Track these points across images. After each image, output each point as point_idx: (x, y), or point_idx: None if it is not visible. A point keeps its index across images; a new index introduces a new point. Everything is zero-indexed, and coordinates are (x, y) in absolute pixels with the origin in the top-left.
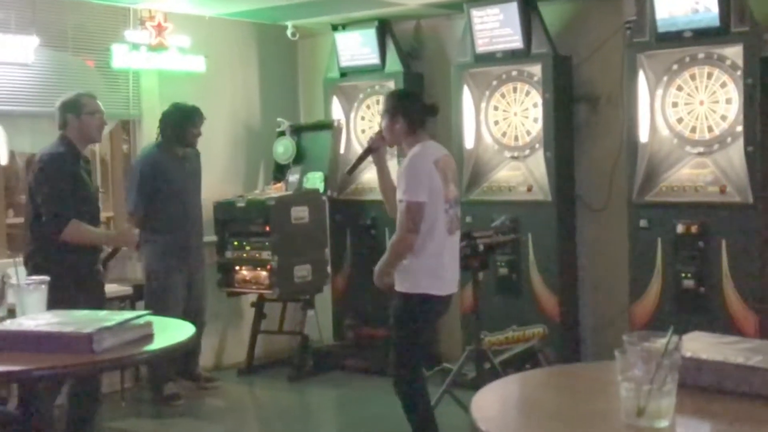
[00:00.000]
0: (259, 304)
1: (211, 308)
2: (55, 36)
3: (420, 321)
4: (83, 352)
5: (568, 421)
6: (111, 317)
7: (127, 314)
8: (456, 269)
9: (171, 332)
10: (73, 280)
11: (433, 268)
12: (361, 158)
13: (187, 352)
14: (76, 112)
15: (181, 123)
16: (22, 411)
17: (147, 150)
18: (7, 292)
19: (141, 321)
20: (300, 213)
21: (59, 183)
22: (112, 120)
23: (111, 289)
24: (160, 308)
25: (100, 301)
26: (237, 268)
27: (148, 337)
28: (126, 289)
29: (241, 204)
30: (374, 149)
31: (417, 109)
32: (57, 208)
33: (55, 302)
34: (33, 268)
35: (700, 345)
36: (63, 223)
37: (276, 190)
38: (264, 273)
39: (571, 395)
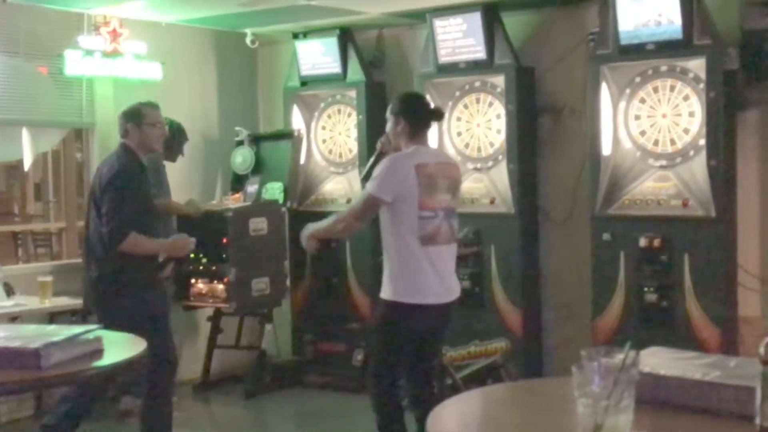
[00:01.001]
0: (215, 318)
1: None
2: (6, 41)
3: (393, 331)
4: (30, 367)
5: None
6: (59, 332)
7: (76, 329)
8: (443, 280)
9: (121, 347)
10: (140, 283)
11: (410, 277)
12: (375, 163)
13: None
14: (138, 121)
15: (178, 137)
16: None
17: None
18: None
19: (90, 336)
20: (258, 224)
21: (125, 196)
22: (65, 129)
23: (61, 302)
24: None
25: (166, 299)
26: (193, 281)
27: (98, 353)
28: (77, 302)
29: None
30: (384, 152)
31: (420, 112)
32: (118, 222)
33: (127, 305)
34: (101, 273)
35: (658, 360)
36: (123, 236)
37: (234, 201)
38: (221, 286)
39: (530, 411)
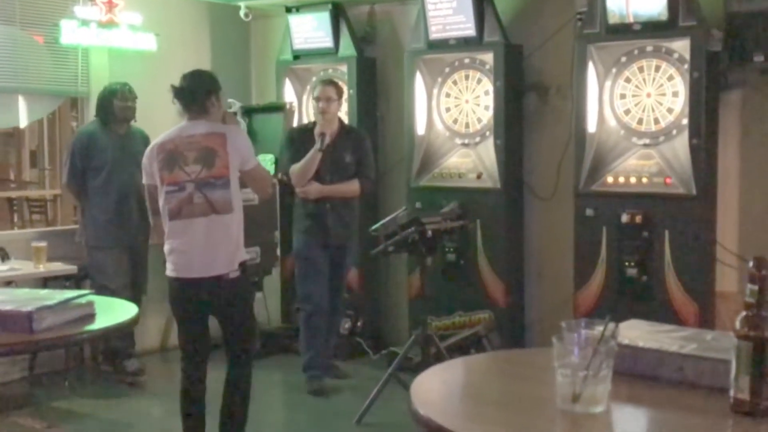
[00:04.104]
0: None
1: (158, 289)
2: (2, 10)
3: (173, 306)
4: (23, 330)
5: (506, 406)
6: (52, 296)
7: (69, 293)
8: (195, 254)
9: (113, 312)
10: (298, 227)
11: (167, 251)
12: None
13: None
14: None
15: (106, 97)
16: None
17: (83, 126)
18: None
19: (83, 300)
20: (250, 195)
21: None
22: (60, 97)
23: (55, 267)
24: (101, 282)
25: (312, 246)
26: None
27: (90, 317)
28: (71, 268)
29: None
30: None
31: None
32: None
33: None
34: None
35: (637, 333)
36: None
37: None
38: None
39: (511, 380)
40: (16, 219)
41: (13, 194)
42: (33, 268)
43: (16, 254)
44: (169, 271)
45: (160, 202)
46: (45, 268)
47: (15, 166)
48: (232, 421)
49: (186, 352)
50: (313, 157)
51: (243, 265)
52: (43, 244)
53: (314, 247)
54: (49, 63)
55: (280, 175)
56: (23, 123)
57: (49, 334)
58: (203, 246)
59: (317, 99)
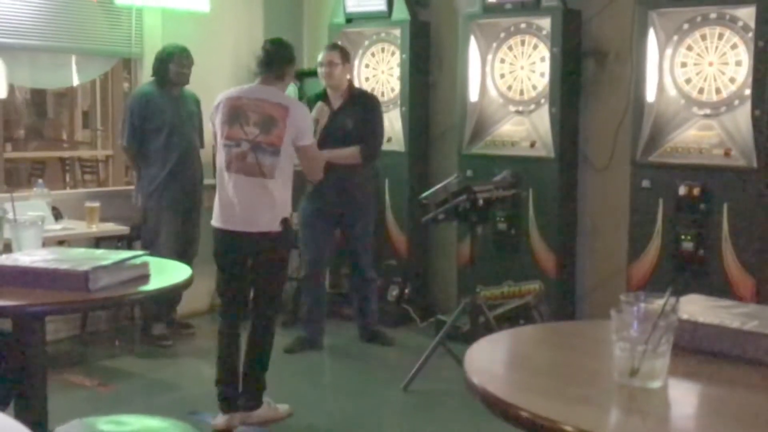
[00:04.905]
0: None
1: (207, 252)
2: None
3: (216, 254)
4: (78, 289)
5: (560, 378)
6: (107, 256)
7: (124, 254)
8: (238, 208)
9: (167, 273)
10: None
11: (217, 201)
12: None
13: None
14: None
15: (164, 59)
16: (15, 344)
17: (139, 86)
18: (4, 228)
19: (137, 261)
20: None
21: None
22: (113, 58)
23: (107, 227)
24: (154, 243)
25: (309, 211)
26: None
27: (144, 278)
28: (123, 229)
29: None
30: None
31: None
32: None
33: None
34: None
35: (696, 308)
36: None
37: None
38: None
39: (565, 353)
40: (68, 179)
41: (66, 154)
42: (86, 228)
43: (69, 214)
44: (215, 220)
45: (219, 152)
46: (97, 228)
47: (67, 127)
48: (247, 384)
49: (224, 301)
50: None
51: (285, 222)
52: (96, 204)
53: (311, 213)
54: (103, 23)
55: None
56: (76, 83)
57: (105, 293)
58: (246, 204)
59: (320, 64)
